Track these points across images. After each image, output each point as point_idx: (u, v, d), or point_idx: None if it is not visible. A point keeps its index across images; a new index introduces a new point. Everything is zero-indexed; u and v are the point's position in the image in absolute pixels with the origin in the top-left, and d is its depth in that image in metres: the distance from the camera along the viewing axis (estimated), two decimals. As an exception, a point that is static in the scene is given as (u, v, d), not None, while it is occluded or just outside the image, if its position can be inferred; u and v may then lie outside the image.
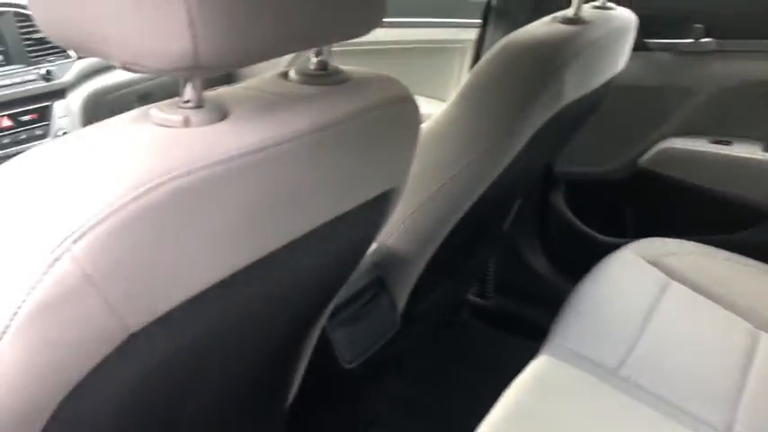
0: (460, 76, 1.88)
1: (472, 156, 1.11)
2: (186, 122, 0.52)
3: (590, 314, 1.25)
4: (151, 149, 0.49)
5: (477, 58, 1.82)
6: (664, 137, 1.69)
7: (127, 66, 0.50)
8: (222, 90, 0.61)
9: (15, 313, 0.44)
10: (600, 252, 1.43)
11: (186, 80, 0.53)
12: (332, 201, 0.64)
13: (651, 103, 1.68)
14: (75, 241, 0.44)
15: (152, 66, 0.48)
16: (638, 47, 1.54)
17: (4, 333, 0.44)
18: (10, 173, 0.48)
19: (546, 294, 1.76)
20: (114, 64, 0.51)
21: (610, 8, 1.30)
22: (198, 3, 0.45)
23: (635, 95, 1.67)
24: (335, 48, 0.67)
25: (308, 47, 0.56)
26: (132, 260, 0.47)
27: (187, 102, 0.54)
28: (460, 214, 1.18)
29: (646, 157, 1.71)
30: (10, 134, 1.58)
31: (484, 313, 1.97)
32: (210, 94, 0.58)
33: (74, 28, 0.50)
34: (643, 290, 1.30)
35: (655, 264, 1.36)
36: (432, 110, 1.20)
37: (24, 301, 0.44)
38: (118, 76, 1.79)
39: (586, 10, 1.25)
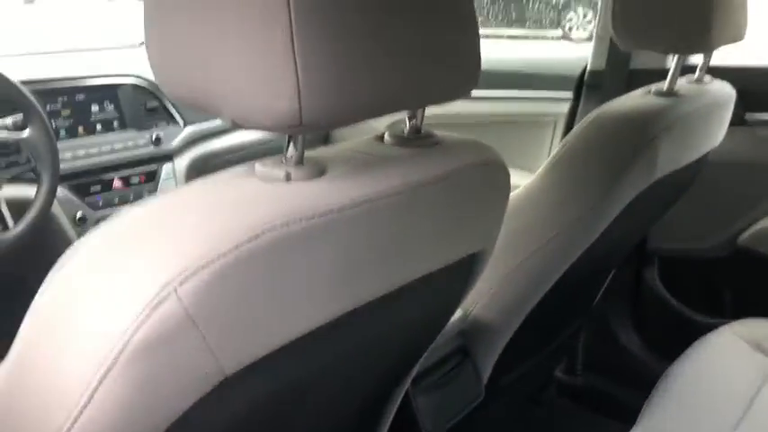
0: (552, 149, 1.88)
1: (561, 226, 1.10)
2: (287, 177, 0.55)
3: (684, 397, 1.19)
4: (254, 201, 0.52)
5: (568, 128, 1.82)
6: (765, 214, 1.62)
7: (236, 122, 0.54)
8: (321, 149, 0.64)
9: (122, 350, 0.47)
10: (696, 332, 1.36)
11: (289, 137, 0.57)
12: (421, 259, 0.66)
13: (751, 179, 1.62)
14: (181, 283, 0.47)
15: (260, 123, 0.52)
16: (738, 121, 1.51)
17: (110, 369, 0.47)
18: (125, 217, 0.52)
19: (637, 374, 1.69)
20: (225, 120, 0.55)
21: (706, 82, 1.28)
22: (304, 66, 0.49)
23: (734, 171, 1.63)
24: (429, 122, 0.70)
25: (404, 108, 0.59)
26: (232, 304, 0.49)
27: (289, 158, 0.57)
28: (549, 285, 1.16)
29: (746, 235, 1.64)
30: (119, 194, 1.69)
31: (571, 391, 1.90)
32: (311, 152, 0.62)
33: (190, 86, 0.54)
34: (744, 375, 1.23)
35: (757, 347, 1.29)
36: (522, 181, 1.21)
37: (131, 337, 0.47)
38: (220, 143, 1.89)
39: (681, 84, 1.24)
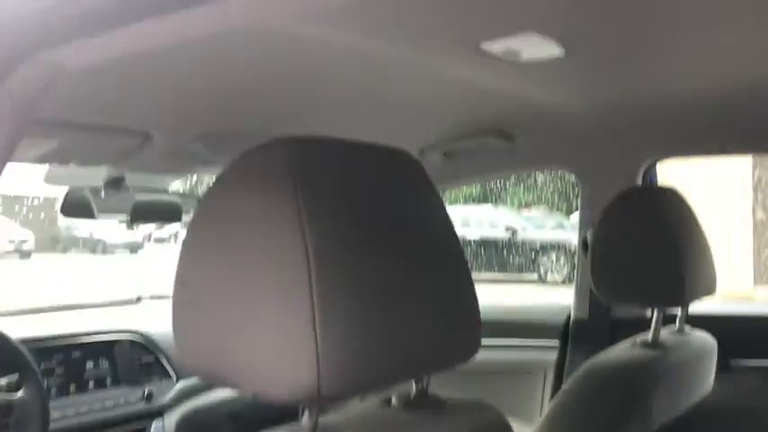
0: (544, 398, 1.88)
1: None
2: None
3: None
4: None
5: (558, 379, 1.84)
6: None
7: (255, 394, 0.56)
8: (332, 415, 0.66)
9: None
10: None
11: (304, 408, 0.59)
12: None
13: (747, 425, 1.62)
14: None
15: (279, 395, 0.55)
16: (723, 369, 1.54)
17: None
18: None
19: None
20: (245, 392, 0.58)
21: (687, 332, 1.34)
22: (324, 344, 0.53)
23: (728, 418, 1.63)
24: None
25: (414, 376, 0.63)
26: None
27: (303, 428, 0.59)
28: None
29: None
30: (107, 455, 1.64)
31: None
32: (323, 418, 0.63)
33: (211, 357, 0.58)
34: None
35: None
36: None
37: None
38: (211, 398, 1.87)
39: (664, 334, 1.30)
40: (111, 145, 1.29)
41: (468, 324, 0.68)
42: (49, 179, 1.58)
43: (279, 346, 0.54)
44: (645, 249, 1.21)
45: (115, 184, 1.58)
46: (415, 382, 0.72)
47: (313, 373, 0.53)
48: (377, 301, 0.58)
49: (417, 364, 0.62)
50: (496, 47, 1.09)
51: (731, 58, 1.25)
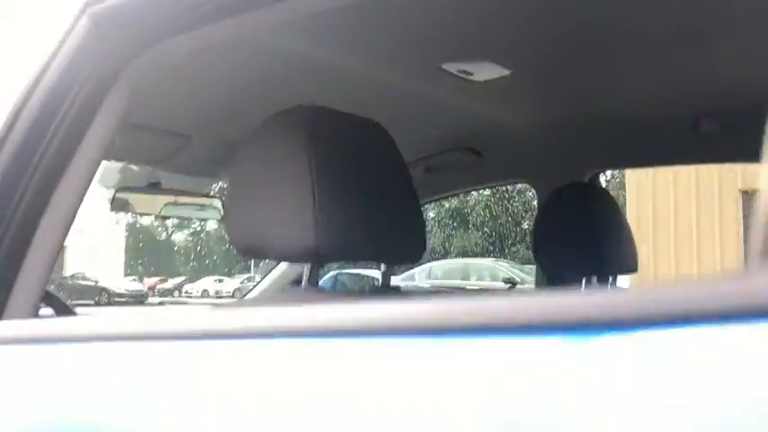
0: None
1: None
2: None
3: None
4: None
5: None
6: None
7: (277, 257, 0.89)
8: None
9: None
10: None
11: (305, 266, 0.92)
12: None
13: None
14: None
15: (291, 255, 0.88)
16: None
17: None
18: None
19: None
20: (272, 259, 0.90)
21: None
22: (319, 222, 0.86)
23: None
24: None
25: (381, 260, 0.94)
26: None
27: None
28: None
29: None
30: None
31: None
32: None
33: (249, 237, 0.91)
34: None
35: None
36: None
37: None
38: None
39: None
40: (157, 146, 1.63)
41: (416, 234, 1.01)
42: (101, 181, 1.92)
43: (292, 224, 0.87)
44: (576, 231, 1.52)
45: (153, 186, 1.93)
46: (382, 277, 1.05)
47: (313, 241, 0.86)
48: (357, 203, 0.91)
49: (381, 250, 0.95)
50: (454, 68, 1.44)
51: (664, 77, 1.51)
